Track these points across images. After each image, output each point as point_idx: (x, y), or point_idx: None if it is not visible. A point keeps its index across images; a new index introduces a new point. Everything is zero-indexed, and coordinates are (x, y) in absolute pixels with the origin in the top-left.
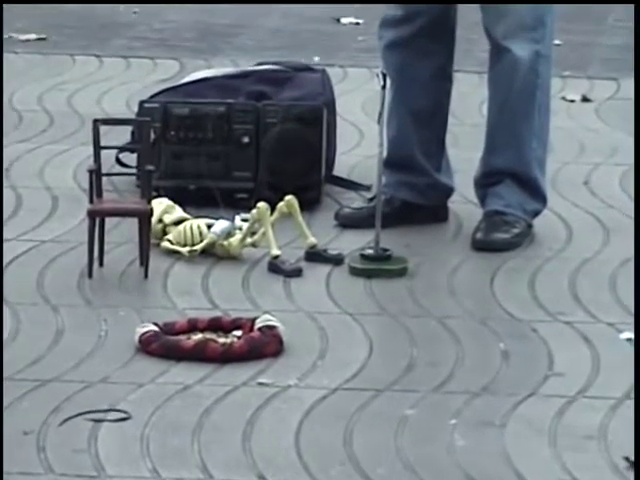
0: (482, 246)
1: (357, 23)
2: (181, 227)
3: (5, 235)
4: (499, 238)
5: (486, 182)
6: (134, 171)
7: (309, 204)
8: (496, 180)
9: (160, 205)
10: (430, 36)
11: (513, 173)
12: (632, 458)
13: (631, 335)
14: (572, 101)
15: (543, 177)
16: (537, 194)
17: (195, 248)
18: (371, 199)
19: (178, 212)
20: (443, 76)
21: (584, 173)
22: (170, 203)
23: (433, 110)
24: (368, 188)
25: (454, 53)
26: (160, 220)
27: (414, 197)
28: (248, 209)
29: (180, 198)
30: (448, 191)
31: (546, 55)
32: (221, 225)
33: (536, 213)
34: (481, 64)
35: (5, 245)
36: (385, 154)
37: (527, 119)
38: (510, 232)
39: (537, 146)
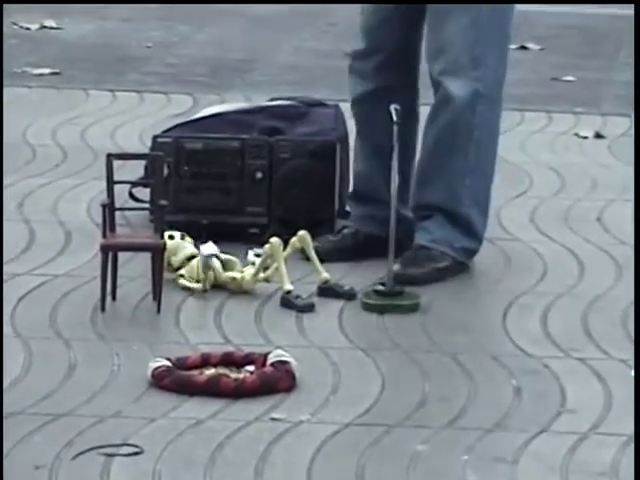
0: (398, 279)
1: None
2: (194, 262)
3: (18, 269)
4: (414, 272)
5: (417, 216)
6: (147, 206)
7: None
8: (426, 214)
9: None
10: (391, 70)
11: (442, 208)
12: None
13: None
14: (585, 137)
15: (481, 215)
16: (469, 232)
17: (198, 286)
18: (337, 232)
19: (183, 250)
20: (407, 111)
21: (597, 209)
22: (172, 243)
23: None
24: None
25: (418, 88)
26: (169, 263)
27: (379, 230)
28: (261, 244)
29: (193, 233)
30: (412, 224)
31: (487, 95)
32: (208, 249)
33: (467, 251)
34: None
35: (18, 279)
36: (351, 187)
37: (461, 156)
38: (427, 267)
39: (473, 185)
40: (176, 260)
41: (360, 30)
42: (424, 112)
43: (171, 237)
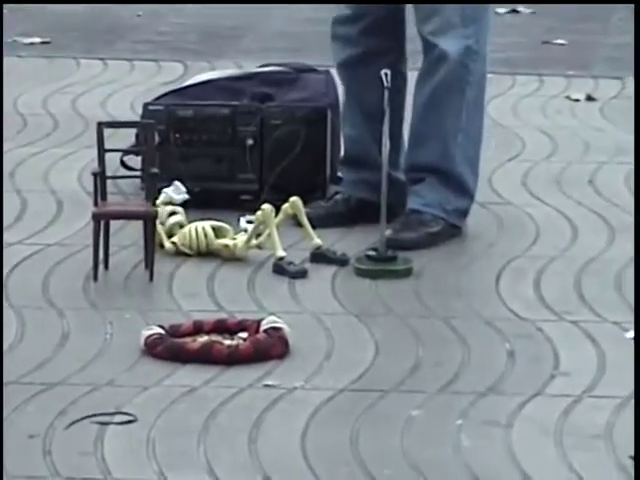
0: (391, 244)
1: None
2: (186, 229)
3: (10, 239)
4: (406, 237)
5: (409, 179)
6: (139, 174)
7: None
8: (419, 177)
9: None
10: (378, 35)
11: (436, 168)
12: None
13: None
14: (577, 100)
15: (473, 175)
16: (462, 191)
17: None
18: (329, 198)
19: (171, 216)
20: (395, 74)
21: (589, 172)
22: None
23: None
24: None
25: (405, 52)
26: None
27: (371, 195)
28: (253, 211)
29: (185, 202)
30: (405, 188)
31: (478, 51)
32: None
33: (460, 211)
34: None
35: (10, 249)
36: (342, 153)
37: (454, 114)
38: (420, 231)
39: (464, 142)
40: (164, 227)
41: None
42: (411, 77)
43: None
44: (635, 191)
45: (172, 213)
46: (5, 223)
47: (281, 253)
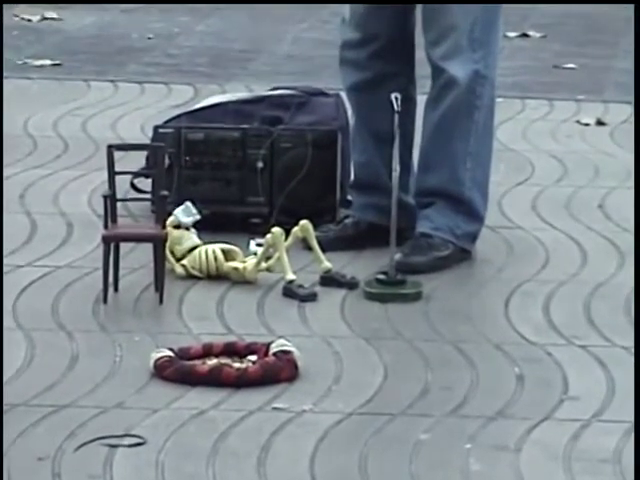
0: (401, 268)
1: None
2: (196, 252)
3: (19, 261)
4: (416, 261)
5: (419, 203)
6: (149, 196)
7: None
8: (428, 202)
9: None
10: (388, 59)
11: (445, 193)
12: None
13: None
14: (587, 125)
15: (482, 199)
16: (472, 215)
17: (184, 263)
18: (339, 222)
19: (188, 240)
20: (404, 98)
21: (599, 196)
22: (177, 232)
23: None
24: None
25: (415, 76)
26: (172, 252)
27: (380, 219)
28: (263, 234)
29: (194, 223)
30: (415, 211)
31: (486, 76)
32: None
33: (470, 235)
34: None
35: (20, 271)
36: (352, 177)
37: (462, 139)
38: (429, 255)
39: (473, 166)
40: (180, 249)
41: (350, 20)
42: (420, 101)
43: (177, 227)
44: (635, 215)
45: (176, 227)
46: (15, 245)
47: (291, 276)
